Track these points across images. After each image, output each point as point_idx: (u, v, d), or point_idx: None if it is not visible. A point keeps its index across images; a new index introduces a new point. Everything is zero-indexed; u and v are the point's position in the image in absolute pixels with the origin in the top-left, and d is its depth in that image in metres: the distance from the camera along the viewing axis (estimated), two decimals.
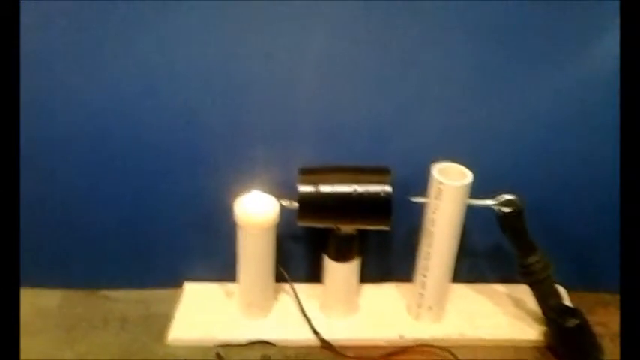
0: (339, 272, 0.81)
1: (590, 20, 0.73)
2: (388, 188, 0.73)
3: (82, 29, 0.71)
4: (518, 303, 0.88)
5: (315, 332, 0.81)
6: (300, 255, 0.89)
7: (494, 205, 0.76)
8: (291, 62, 0.75)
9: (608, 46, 0.72)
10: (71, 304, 0.88)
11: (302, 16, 0.72)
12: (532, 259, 0.78)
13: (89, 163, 0.81)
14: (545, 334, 0.82)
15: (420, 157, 0.80)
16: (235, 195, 0.78)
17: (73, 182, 0.82)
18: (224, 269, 0.87)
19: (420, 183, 0.77)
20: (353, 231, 0.77)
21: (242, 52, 0.74)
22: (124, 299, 0.89)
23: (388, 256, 0.90)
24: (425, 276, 0.81)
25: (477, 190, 0.75)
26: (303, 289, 0.87)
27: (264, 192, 0.79)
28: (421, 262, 0.81)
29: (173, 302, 0.87)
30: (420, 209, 0.78)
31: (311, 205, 0.74)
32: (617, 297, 0.85)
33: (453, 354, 0.80)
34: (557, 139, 0.81)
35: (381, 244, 0.88)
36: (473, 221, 0.79)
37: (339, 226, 0.76)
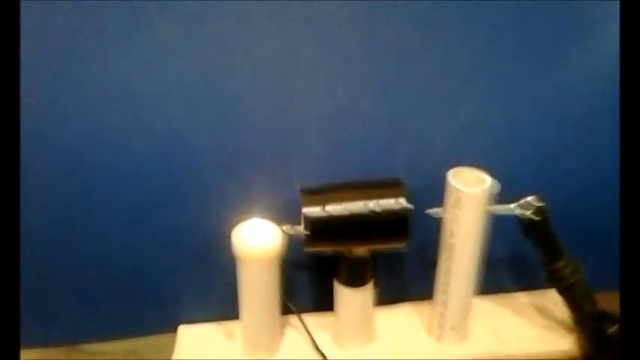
0: (353, 299, 0.73)
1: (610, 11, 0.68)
2: (404, 202, 0.66)
3: (53, 52, 0.63)
4: (544, 312, 0.82)
5: None
6: (305, 281, 0.81)
7: (517, 209, 0.70)
8: (281, 73, 0.67)
9: None
10: None
11: (290, 21, 0.65)
12: (560, 263, 0.71)
13: (60, 198, 0.71)
14: (581, 344, 0.76)
15: (428, 164, 0.74)
16: (231, 224, 0.70)
17: (45, 221, 0.72)
18: (222, 307, 0.79)
19: (431, 193, 0.70)
20: (366, 253, 0.69)
21: (226, 65, 0.66)
22: (112, 352, 0.79)
23: (401, 274, 0.83)
24: (446, 293, 0.73)
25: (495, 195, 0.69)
26: (311, 319, 0.79)
27: (264, 218, 0.71)
28: (441, 279, 0.74)
29: (168, 350, 0.77)
30: (433, 221, 0.72)
31: (319, 229, 0.66)
32: None
33: None
34: (577, 135, 0.76)
35: (393, 262, 0.81)
36: (489, 228, 0.72)
37: (352, 249, 0.68)
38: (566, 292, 0.73)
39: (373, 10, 0.65)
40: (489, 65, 0.71)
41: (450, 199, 0.68)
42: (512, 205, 0.70)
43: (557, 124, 0.76)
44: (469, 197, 0.67)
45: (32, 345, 0.78)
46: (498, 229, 0.71)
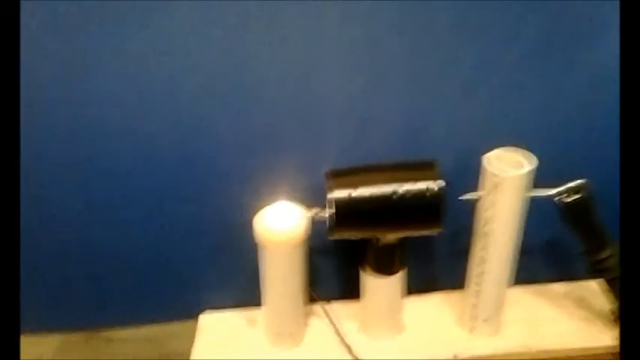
0: (381, 288, 0.70)
1: None
2: (437, 184, 0.61)
3: (69, 42, 0.60)
4: (582, 304, 0.78)
5: None
6: (330, 268, 0.78)
7: (559, 193, 0.65)
8: (306, 53, 0.64)
9: None
10: (70, 350, 0.76)
11: (318, 2, 0.61)
12: (606, 253, 0.67)
13: (84, 189, 0.69)
14: None
15: (461, 145, 0.70)
16: (253, 208, 0.67)
17: (67, 210, 0.71)
18: (243, 293, 0.77)
19: (464, 176, 0.66)
20: (395, 240, 0.66)
21: (249, 48, 0.62)
22: (132, 339, 0.78)
23: (431, 262, 0.79)
24: (479, 284, 0.70)
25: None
26: (336, 308, 0.77)
27: (288, 201, 0.67)
28: (474, 269, 0.69)
29: (188, 338, 0.75)
30: (465, 206, 0.67)
31: (345, 215, 0.62)
32: None
33: None
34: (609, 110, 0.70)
35: (422, 249, 0.77)
36: (525, 213, 0.68)
37: (380, 235, 0.65)
38: (612, 284, 0.68)
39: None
40: (522, 43, 0.66)
41: (486, 183, 0.64)
42: (554, 190, 0.65)
43: (598, 104, 0.70)
44: (507, 181, 0.62)
45: (54, 330, 0.78)
46: (534, 214, 0.67)
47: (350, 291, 0.76)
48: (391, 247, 0.66)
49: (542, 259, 0.80)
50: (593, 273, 0.69)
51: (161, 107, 0.65)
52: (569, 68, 0.68)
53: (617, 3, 0.61)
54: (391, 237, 0.65)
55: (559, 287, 0.81)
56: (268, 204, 0.68)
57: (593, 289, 0.72)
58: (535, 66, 0.67)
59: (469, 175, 0.66)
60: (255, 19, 0.61)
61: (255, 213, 0.67)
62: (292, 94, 0.66)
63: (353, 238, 0.67)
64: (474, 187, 0.67)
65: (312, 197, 0.68)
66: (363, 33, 0.64)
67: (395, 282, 0.69)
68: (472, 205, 0.67)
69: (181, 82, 0.64)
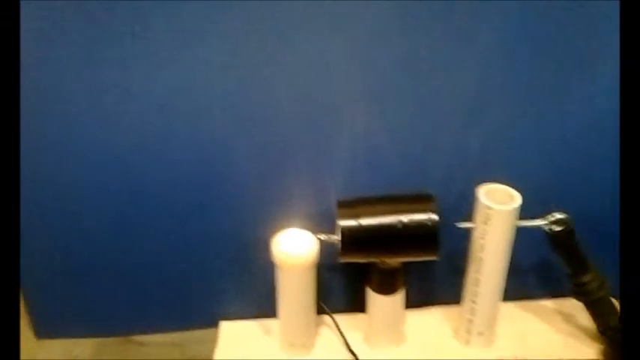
0: (384, 305, 0.77)
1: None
2: (434, 216, 0.69)
3: (94, 66, 0.67)
4: (569, 319, 0.85)
5: None
6: (339, 284, 0.85)
7: (544, 224, 0.72)
8: (317, 87, 0.71)
9: None
10: (105, 353, 0.85)
11: (326, 37, 0.67)
12: (586, 277, 0.74)
13: (115, 205, 0.77)
14: (604, 353, 0.78)
15: (460, 178, 0.77)
16: (270, 229, 0.75)
17: (99, 224, 0.78)
18: (260, 305, 0.84)
19: (462, 204, 0.74)
20: (397, 263, 0.73)
21: (266, 77, 0.69)
22: (161, 343, 0.85)
23: (430, 279, 0.86)
24: (474, 302, 0.77)
25: (523, 209, 0.71)
26: (344, 320, 0.84)
27: (300, 226, 0.75)
28: (470, 289, 0.77)
29: (210, 343, 0.83)
30: (462, 231, 0.75)
31: (354, 241, 0.70)
32: None
33: None
34: (605, 147, 0.77)
35: (423, 268, 0.84)
36: (517, 237, 0.74)
37: (384, 260, 0.72)
38: (591, 306, 0.75)
39: (408, 25, 0.67)
40: (520, 82, 0.72)
41: (480, 215, 0.71)
42: (540, 222, 0.72)
43: (586, 137, 0.77)
44: (499, 214, 0.70)
45: (89, 335, 0.86)
46: (526, 237, 0.74)
47: (357, 304, 0.83)
48: (393, 270, 0.74)
49: (532, 277, 0.87)
50: (574, 295, 0.76)
51: (185, 134, 0.72)
52: (564, 105, 0.74)
53: (614, 38, 0.66)
54: (393, 261, 0.73)
55: (548, 304, 0.87)
56: (283, 226, 0.76)
57: (579, 306, 0.79)
58: (532, 101, 0.74)
59: (468, 203, 0.73)
60: (273, 55, 0.68)
61: (272, 233, 0.75)
62: (305, 127, 0.73)
63: (360, 261, 0.74)
64: (469, 213, 0.74)
65: (324, 222, 0.75)
66: (373, 70, 0.70)
67: (396, 300, 0.77)
68: (468, 231, 0.75)
69: (204, 112, 0.71)
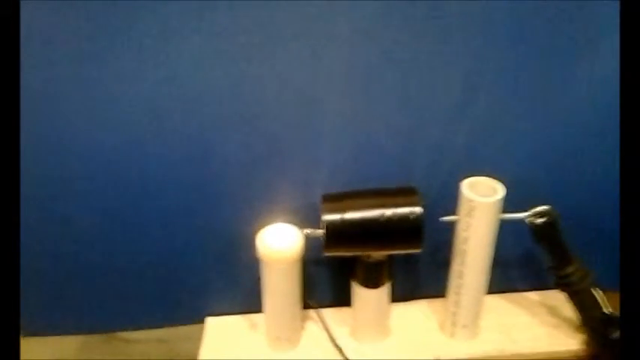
0: (369, 299, 0.77)
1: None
2: (418, 209, 0.69)
3: (82, 64, 0.67)
4: (553, 311, 0.85)
5: None
6: (324, 279, 0.85)
7: (527, 217, 0.73)
8: (304, 83, 0.71)
9: None
10: (90, 350, 0.84)
11: (313, 34, 0.68)
12: (569, 269, 0.74)
13: (101, 202, 0.76)
14: (587, 344, 0.79)
15: (444, 171, 0.77)
16: (255, 225, 0.75)
17: (85, 222, 0.77)
18: (246, 300, 0.85)
19: (446, 198, 0.74)
20: (382, 257, 0.73)
21: (253, 73, 0.69)
22: (146, 340, 0.85)
23: (415, 273, 0.87)
24: (458, 294, 0.77)
25: (507, 202, 0.71)
26: (330, 314, 0.84)
27: (286, 221, 0.75)
28: (454, 281, 0.77)
29: (196, 340, 0.83)
30: (446, 224, 0.75)
31: (338, 235, 0.70)
32: None
33: None
34: (588, 142, 0.78)
35: (408, 261, 0.85)
36: (500, 229, 0.75)
37: (369, 253, 0.72)
38: (574, 297, 0.76)
39: (393, 18, 0.67)
40: (503, 76, 0.73)
41: (463, 207, 0.71)
42: (523, 214, 0.73)
43: (569, 132, 0.78)
44: (482, 206, 0.70)
45: (74, 332, 0.85)
46: (510, 230, 0.75)
47: (342, 298, 0.83)
48: (378, 264, 0.74)
49: (516, 270, 0.87)
50: (557, 286, 0.77)
51: (172, 131, 0.72)
52: (549, 98, 0.75)
53: (604, 33, 0.68)
54: (378, 255, 0.73)
55: (532, 296, 0.88)
56: (268, 221, 0.76)
57: (563, 298, 0.80)
58: (517, 95, 0.74)
59: (451, 196, 0.73)
60: (260, 53, 0.68)
61: (257, 228, 0.74)
62: (292, 123, 0.73)
63: (345, 255, 0.75)
64: (453, 207, 0.74)
65: (309, 216, 0.76)
66: (359, 66, 0.70)
67: (382, 293, 0.77)
68: (452, 224, 0.75)
69: (190, 109, 0.70)
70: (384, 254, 0.73)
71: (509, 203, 0.72)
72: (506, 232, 0.75)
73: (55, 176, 0.74)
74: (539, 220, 0.72)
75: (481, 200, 0.70)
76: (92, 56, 0.66)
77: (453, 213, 0.74)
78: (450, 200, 0.74)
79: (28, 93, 0.66)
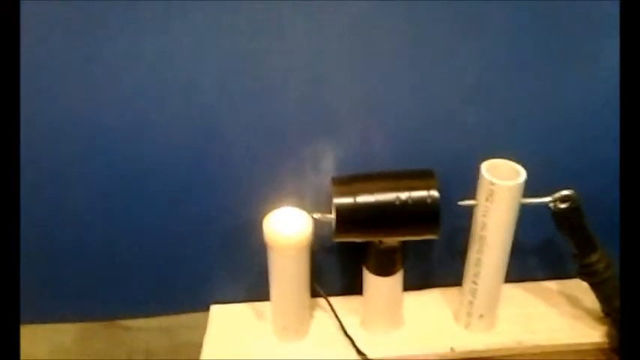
0: (382, 287, 0.74)
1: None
2: (435, 193, 0.65)
3: (78, 42, 0.63)
4: (574, 302, 0.82)
5: (360, 353, 0.74)
6: (334, 266, 0.82)
7: (550, 202, 0.69)
8: (314, 61, 0.66)
9: None
10: (90, 338, 0.81)
11: (324, 11, 0.63)
12: (593, 258, 0.70)
13: (101, 186, 0.73)
14: (610, 336, 0.75)
15: (461, 153, 0.73)
16: (262, 208, 0.71)
17: (84, 206, 0.74)
18: (252, 288, 0.81)
19: (463, 181, 0.70)
20: (396, 243, 0.69)
21: (258, 51, 0.65)
22: (147, 328, 0.82)
23: (429, 261, 0.83)
24: (475, 283, 0.74)
25: (527, 186, 0.67)
26: (340, 302, 0.80)
27: (294, 205, 0.71)
28: (471, 269, 0.73)
29: (200, 328, 0.79)
30: (462, 209, 0.71)
31: (349, 219, 0.66)
32: None
33: None
34: (610, 125, 0.73)
35: (421, 249, 0.81)
36: (520, 215, 0.71)
37: (382, 239, 0.69)
38: (597, 287, 0.72)
39: (410, 3, 0.63)
40: (524, 55, 0.68)
41: (482, 191, 0.67)
42: (545, 199, 0.69)
43: (594, 114, 0.73)
44: (502, 190, 0.66)
45: (73, 320, 0.82)
46: (529, 216, 0.71)
47: (352, 286, 0.80)
48: (391, 250, 0.70)
49: (536, 258, 0.84)
50: (580, 275, 0.73)
51: (175, 112, 0.68)
52: (568, 78, 0.70)
53: (617, 14, 0.63)
54: (391, 241, 0.69)
55: (551, 285, 0.84)
56: (276, 206, 0.72)
57: (584, 288, 0.76)
58: (536, 74, 0.70)
59: (468, 179, 0.69)
60: (267, 30, 0.64)
61: (264, 213, 0.71)
62: (300, 103, 0.69)
63: (357, 240, 0.71)
64: (470, 191, 0.70)
65: (319, 201, 0.72)
66: (372, 44, 0.66)
67: (394, 281, 0.73)
68: (469, 209, 0.71)
69: (192, 88, 0.67)
70: (397, 240, 0.69)
71: (529, 186, 0.67)
72: (524, 217, 0.71)
73: (50, 159, 0.70)
74: (563, 205, 0.68)
75: (502, 184, 0.65)
76: (88, 33, 0.62)
77: (469, 197, 0.70)
78: (465, 183, 0.70)
79: (21, 71, 0.62)
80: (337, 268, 0.82)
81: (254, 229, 0.71)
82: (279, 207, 0.71)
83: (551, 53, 0.69)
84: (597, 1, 0.65)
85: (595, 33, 0.68)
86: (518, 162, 0.68)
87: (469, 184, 0.70)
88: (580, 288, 0.80)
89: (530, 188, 0.68)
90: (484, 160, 0.69)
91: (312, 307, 0.80)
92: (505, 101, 0.72)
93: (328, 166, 0.73)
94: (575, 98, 0.72)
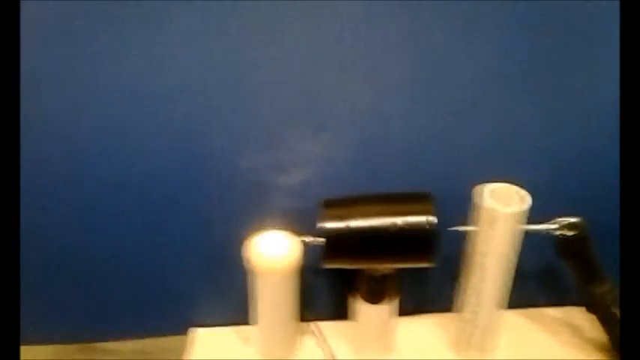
0: (373, 315, 0.69)
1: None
2: (432, 219, 0.61)
3: (60, 45, 0.59)
4: (575, 330, 0.77)
5: None
6: (322, 289, 0.77)
7: (555, 229, 0.64)
8: (305, 74, 0.62)
9: None
10: None
11: (315, 16, 0.59)
12: (602, 288, 0.66)
13: (76, 198, 0.68)
14: None
15: (456, 176, 0.69)
16: (246, 231, 0.66)
17: (62, 222, 0.70)
18: (236, 311, 0.76)
19: (456, 205, 0.65)
20: (387, 270, 0.65)
21: (246, 59, 0.61)
22: (123, 351, 0.78)
23: (423, 286, 0.78)
24: (473, 312, 0.69)
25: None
26: (329, 327, 0.77)
27: (282, 228, 0.67)
28: (469, 298, 0.69)
29: (180, 352, 0.75)
30: (456, 234, 0.67)
31: (340, 245, 0.62)
32: None
33: None
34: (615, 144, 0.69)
35: (414, 274, 0.76)
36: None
37: (374, 266, 0.64)
38: (605, 319, 0.68)
39: (405, 11, 0.60)
40: (525, 75, 0.65)
41: (483, 218, 0.63)
42: (551, 226, 0.64)
43: (597, 136, 0.69)
44: (506, 217, 0.61)
45: (48, 342, 0.78)
46: (530, 241, 0.66)
47: (342, 311, 0.75)
48: (383, 278, 0.66)
49: (536, 283, 0.79)
50: (586, 307, 0.69)
51: (154, 121, 0.64)
52: (568, 100, 0.67)
53: (617, 38, 0.59)
54: (385, 268, 0.65)
55: (553, 312, 0.80)
56: (260, 226, 0.67)
57: (587, 316, 0.72)
58: (534, 96, 0.66)
59: (461, 203, 0.65)
60: (252, 35, 0.60)
61: (248, 233, 0.66)
62: (290, 117, 0.65)
63: (348, 267, 0.66)
64: (463, 214, 0.66)
65: (308, 224, 0.67)
66: (366, 57, 0.62)
67: (386, 309, 0.69)
68: (464, 234, 0.67)
69: (177, 98, 0.62)
70: (389, 268, 0.65)
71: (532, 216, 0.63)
72: (527, 243, 0.67)
73: (24, 172, 0.65)
74: (569, 233, 0.64)
75: (506, 211, 0.61)
76: (70, 36, 0.58)
77: (464, 221, 0.66)
78: (460, 210, 0.65)
79: None
80: (327, 292, 0.78)
81: (236, 252, 0.66)
82: (264, 228, 0.67)
83: (554, 68, 0.65)
84: (597, 18, 0.62)
85: (596, 48, 0.64)
86: (514, 184, 0.64)
87: (462, 206, 0.65)
88: (583, 316, 0.77)
89: (531, 213, 0.63)
90: (480, 181, 0.65)
91: (301, 332, 0.76)
92: (501, 120, 0.68)
93: (317, 185, 0.68)
94: (579, 120, 0.68)
